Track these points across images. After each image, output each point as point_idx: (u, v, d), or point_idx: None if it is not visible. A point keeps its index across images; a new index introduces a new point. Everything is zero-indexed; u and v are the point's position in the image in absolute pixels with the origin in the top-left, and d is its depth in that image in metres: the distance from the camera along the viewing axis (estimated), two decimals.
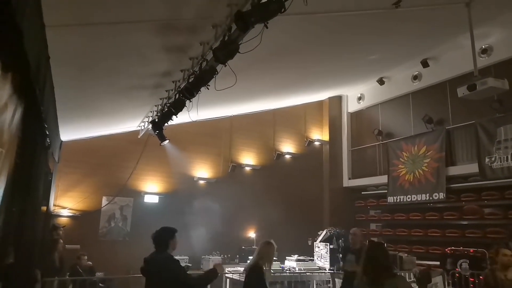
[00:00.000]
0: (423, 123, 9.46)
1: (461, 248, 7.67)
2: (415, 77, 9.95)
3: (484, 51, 8.24)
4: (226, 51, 3.55)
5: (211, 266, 8.18)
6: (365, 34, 6.44)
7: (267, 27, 3.24)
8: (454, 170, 8.73)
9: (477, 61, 5.82)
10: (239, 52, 3.60)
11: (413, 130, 9.97)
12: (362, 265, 3.17)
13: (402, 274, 4.94)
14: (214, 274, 3.89)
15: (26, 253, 3.94)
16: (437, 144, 9.06)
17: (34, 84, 2.70)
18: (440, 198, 8.75)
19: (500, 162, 7.63)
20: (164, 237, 3.74)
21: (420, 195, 9.23)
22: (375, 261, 3.11)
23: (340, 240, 7.96)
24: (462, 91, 5.40)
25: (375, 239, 9.71)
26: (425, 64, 9.26)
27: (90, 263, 7.04)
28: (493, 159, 7.76)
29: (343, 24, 5.74)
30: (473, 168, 8.16)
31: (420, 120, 9.52)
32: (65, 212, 7.95)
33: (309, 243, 9.46)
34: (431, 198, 8.96)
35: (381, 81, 10.61)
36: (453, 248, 7.80)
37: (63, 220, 7.86)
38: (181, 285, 3.62)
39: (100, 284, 6.69)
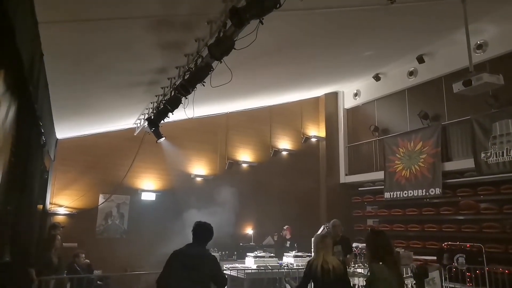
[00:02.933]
0: (419, 119, 9.49)
1: (458, 243, 7.72)
2: (411, 73, 9.97)
3: (479, 46, 8.26)
4: (222, 47, 3.54)
5: None
6: (360, 30, 6.44)
7: (262, 23, 3.22)
8: (450, 166, 8.76)
9: (472, 56, 5.83)
10: (235, 49, 3.59)
11: (409, 126, 10.00)
12: (373, 253, 3.13)
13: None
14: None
15: (22, 251, 3.93)
16: (433, 140, 9.09)
17: (27, 82, 2.68)
18: (437, 193, 8.79)
19: (496, 157, 7.66)
20: (209, 236, 3.74)
21: (416, 190, 9.27)
22: (386, 247, 3.10)
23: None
24: (457, 86, 5.40)
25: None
26: (420, 60, 9.28)
27: (88, 261, 7.03)
28: (488, 154, 7.80)
29: (338, 20, 5.73)
30: (469, 163, 8.20)
31: (416, 116, 9.54)
32: (62, 210, 7.92)
33: (275, 238, 9.48)
34: (427, 193, 9.00)
35: (377, 77, 10.62)
36: (449, 243, 7.85)
37: (59, 218, 7.83)
38: (215, 281, 3.61)
39: (97, 282, 6.69)
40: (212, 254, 3.79)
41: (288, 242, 9.02)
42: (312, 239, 4.34)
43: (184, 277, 3.46)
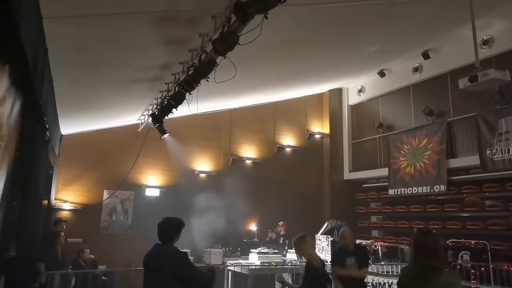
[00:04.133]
0: (423, 115, 9.43)
1: (462, 240, 7.68)
2: (415, 69, 9.90)
3: (485, 42, 8.18)
4: (226, 42, 3.52)
5: (212, 260, 8.23)
6: (365, 25, 6.39)
7: (267, 18, 3.20)
8: (455, 163, 8.71)
9: (478, 52, 5.77)
10: (239, 44, 3.57)
11: (413, 123, 9.94)
12: (413, 256, 2.76)
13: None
14: (213, 274, 3.63)
15: (27, 246, 3.95)
16: (437, 136, 9.04)
17: (32, 77, 2.68)
18: (441, 190, 8.75)
19: (501, 154, 7.60)
20: (171, 230, 3.38)
21: (421, 187, 9.23)
22: (428, 251, 2.67)
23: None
24: (463, 82, 5.34)
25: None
26: (426, 56, 9.20)
27: (92, 256, 7.07)
28: (494, 151, 7.74)
29: (343, 15, 5.68)
30: (474, 160, 8.14)
31: (421, 112, 9.48)
32: (67, 206, 7.97)
33: (269, 235, 9.45)
34: (432, 190, 8.96)
35: (381, 73, 10.56)
36: (454, 240, 7.81)
37: (64, 214, 7.88)
38: (191, 283, 3.23)
39: (102, 277, 6.73)
40: (181, 251, 3.35)
41: (282, 239, 8.96)
42: (294, 242, 4.40)
43: (150, 280, 3.29)
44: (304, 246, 4.29)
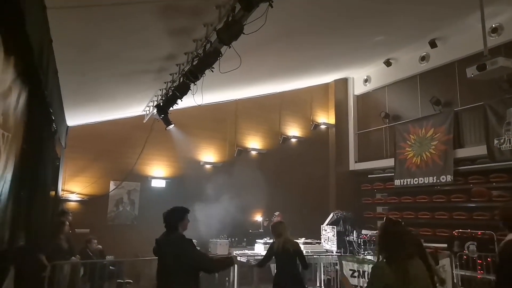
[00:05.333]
0: (430, 105, 9.34)
1: (469, 230, 7.65)
2: (422, 58, 9.78)
3: (494, 30, 8.04)
4: (230, 32, 3.50)
5: (218, 250, 8.27)
6: (371, 14, 6.30)
7: (271, 6, 3.17)
8: (462, 153, 8.64)
9: (487, 40, 5.68)
10: (244, 33, 3.54)
11: (420, 112, 9.85)
12: (381, 245, 2.73)
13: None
14: (230, 262, 3.96)
15: (35, 237, 4.00)
16: (445, 126, 8.96)
17: (37, 68, 2.68)
18: (448, 180, 8.70)
19: (509, 143, 7.52)
20: (174, 218, 3.55)
21: (427, 177, 9.19)
22: (403, 240, 2.64)
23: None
24: (471, 71, 5.27)
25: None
26: (433, 44, 9.06)
27: (100, 246, 7.15)
28: (502, 141, 7.66)
29: (348, 4, 5.61)
30: (481, 150, 8.07)
31: (428, 102, 9.39)
32: (74, 197, 8.04)
33: (265, 224, 9.46)
34: (438, 180, 8.92)
35: (388, 63, 10.43)
36: (460, 230, 7.79)
37: (71, 205, 7.95)
38: (196, 267, 3.42)
39: (110, 267, 6.81)
40: (186, 238, 3.50)
41: None
42: (272, 226, 5.30)
43: (159, 264, 3.53)
44: (282, 230, 5.01)
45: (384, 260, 2.63)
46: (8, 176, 2.64)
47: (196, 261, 3.42)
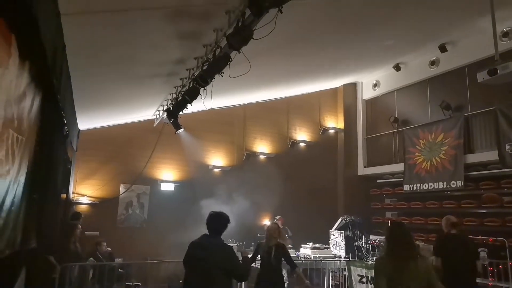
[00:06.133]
0: (440, 109, 9.26)
1: (480, 237, 7.54)
2: (432, 63, 9.72)
3: (505, 34, 7.96)
4: (240, 37, 3.53)
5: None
6: (381, 19, 6.30)
7: (281, 12, 3.19)
8: (472, 158, 8.55)
9: (498, 44, 5.63)
10: (253, 38, 3.57)
11: (430, 117, 9.78)
12: (387, 247, 3.05)
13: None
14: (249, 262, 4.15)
15: (46, 239, 4.06)
16: (455, 131, 8.87)
17: (51, 73, 2.73)
18: (458, 186, 8.60)
19: None
20: (220, 223, 3.64)
21: (437, 183, 9.10)
22: (403, 242, 2.99)
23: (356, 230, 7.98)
24: (482, 76, 5.23)
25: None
26: (443, 49, 9.01)
27: (109, 249, 7.22)
28: None
29: (358, 9, 5.61)
30: (492, 155, 7.97)
31: (438, 106, 9.32)
32: (84, 200, 8.13)
33: (265, 228, 9.43)
34: (448, 186, 8.82)
35: (397, 67, 10.39)
36: (471, 237, 7.67)
37: (82, 207, 8.04)
38: (234, 274, 3.52)
39: (119, 270, 6.86)
40: (228, 245, 3.65)
41: None
42: (267, 227, 5.50)
43: (194, 267, 3.48)
44: (273, 233, 5.21)
45: (385, 254, 3.03)
46: (22, 178, 2.69)
47: (236, 268, 3.51)
